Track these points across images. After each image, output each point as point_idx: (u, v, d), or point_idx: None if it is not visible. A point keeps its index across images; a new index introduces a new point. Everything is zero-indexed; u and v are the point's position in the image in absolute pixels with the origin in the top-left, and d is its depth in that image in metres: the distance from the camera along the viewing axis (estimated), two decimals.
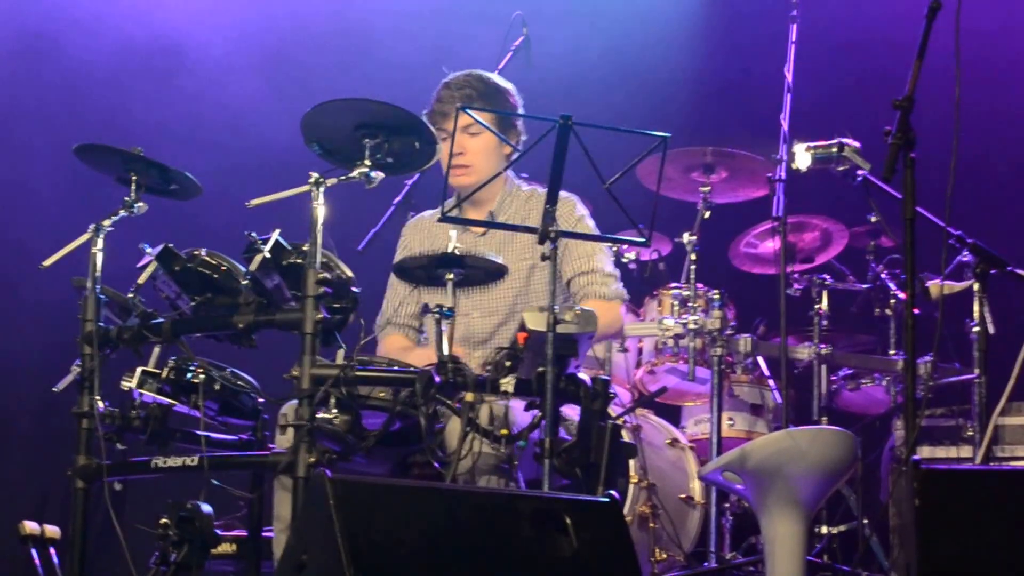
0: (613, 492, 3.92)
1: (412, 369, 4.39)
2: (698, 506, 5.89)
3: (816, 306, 6.28)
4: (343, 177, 4.43)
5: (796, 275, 6.38)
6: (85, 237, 4.62)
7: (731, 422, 6.20)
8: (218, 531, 4.38)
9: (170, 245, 4.48)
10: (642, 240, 4.54)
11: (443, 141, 4.92)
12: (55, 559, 5.33)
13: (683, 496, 5.87)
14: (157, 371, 4.49)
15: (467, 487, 4.26)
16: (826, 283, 6.36)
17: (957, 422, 5.92)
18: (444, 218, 4.83)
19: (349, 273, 4.45)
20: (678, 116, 7.26)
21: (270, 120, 6.70)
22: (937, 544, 3.59)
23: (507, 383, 4.32)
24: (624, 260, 6.35)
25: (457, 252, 4.33)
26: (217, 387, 4.50)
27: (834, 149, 5.25)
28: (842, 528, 6.01)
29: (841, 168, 5.27)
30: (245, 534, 4.88)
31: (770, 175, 5.74)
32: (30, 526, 5.38)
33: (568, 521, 3.65)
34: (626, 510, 5.54)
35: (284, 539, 4.47)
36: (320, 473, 3.49)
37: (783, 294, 5.68)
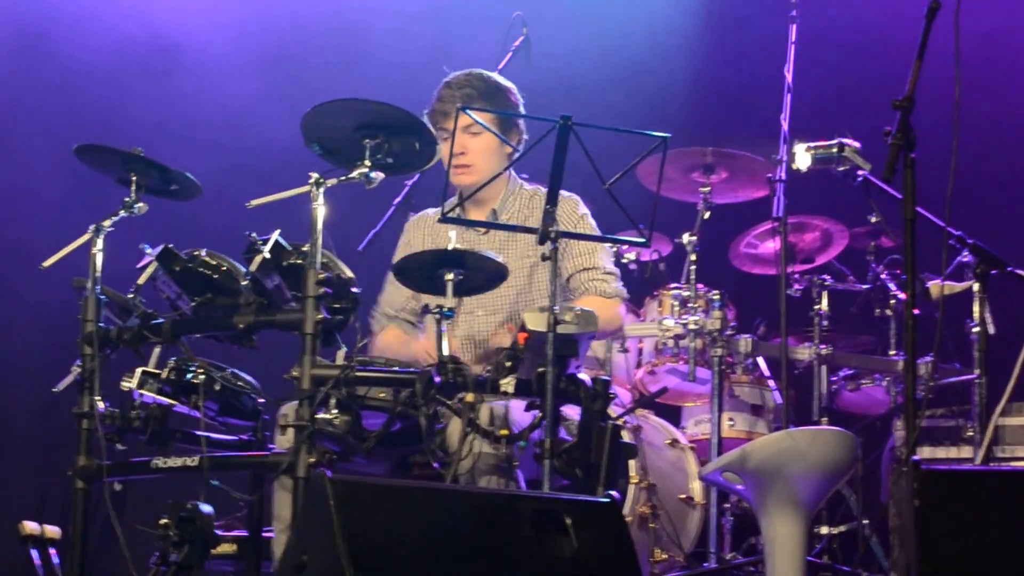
0: (613, 492, 3.92)
1: (412, 370, 4.39)
2: (698, 506, 5.89)
3: (816, 306, 6.28)
4: (343, 177, 4.43)
5: (796, 275, 6.38)
6: (85, 237, 4.62)
7: (731, 422, 6.20)
8: (218, 531, 4.38)
9: (170, 245, 4.48)
10: (642, 240, 4.54)
11: (444, 141, 4.93)
12: (55, 559, 5.33)
13: (683, 496, 5.88)
14: (157, 371, 4.49)
15: (467, 487, 4.27)
16: (826, 283, 6.37)
17: (957, 422, 5.92)
18: (444, 218, 4.83)
19: (349, 273, 4.45)
20: (678, 116, 7.26)
21: (270, 120, 6.70)
22: (937, 544, 3.59)
23: (507, 383, 4.33)
24: (624, 260, 6.35)
25: (458, 249, 4.34)
26: (217, 387, 4.50)
27: (834, 149, 5.25)
28: (842, 528, 6.01)
29: (841, 168, 5.27)
30: (245, 534, 4.88)
31: (770, 175, 5.74)
32: (30, 526, 5.39)
33: (568, 521, 3.65)
34: (626, 510, 5.54)
35: (284, 539, 4.47)
36: (320, 473, 3.49)
37: (783, 294, 5.68)
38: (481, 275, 4.47)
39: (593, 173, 4.35)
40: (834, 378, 6.37)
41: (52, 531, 5.40)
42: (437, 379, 4.27)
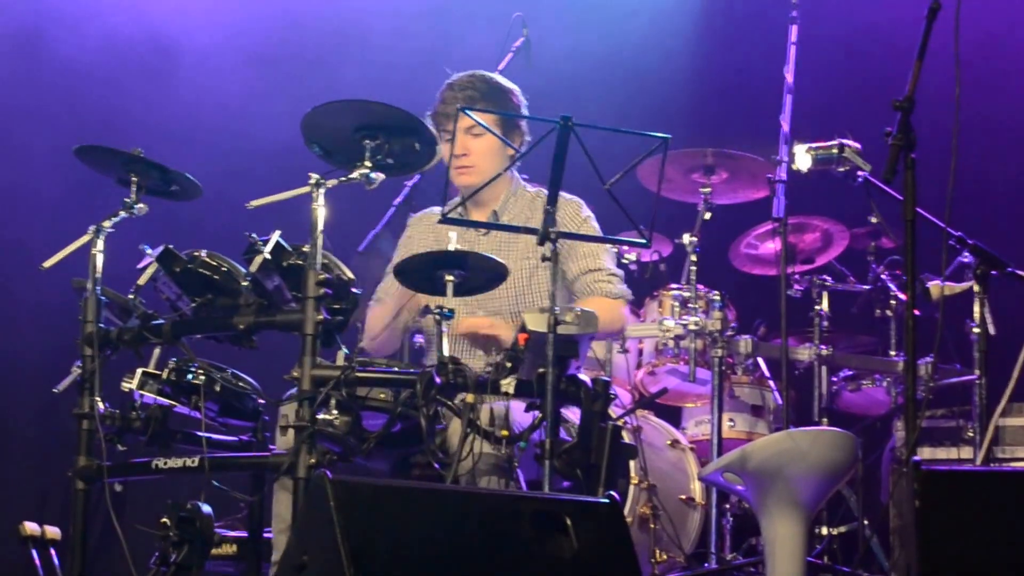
0: (613, 493, 3.92)
1: (412, 370, 4.40)
2: (698, 507, 5.89)
3: (817, 307, 6.29)
4: (343, 178, 4.43)
5: (797, 276, 6.38)
6: (85, 238, 4.62)
7: (732, 423, 6.20)
8: (223, 531, 4.38)
9: (170, 246, 4.48)
10: (643, 241, 4.54)
11: (446, 141, 4.93)
12: (56, 560, 5.34)
13: (684, 497, 5.88)
14: (158, 372, 4.49)
15: (468, 488, 4.26)
16: (827, 284, 6.37)
17: (958, 423, 5.92)
18: (444, 219, 4.83)
19: (349, 274, 4.44)
20: (678, 117, 7.26)
21: (270, 121, 6.69)
22: (937, 545, 3.58)
23: (507, 384, 4.33)
24: (625, 261, 6.35)
25: (458, 249, 4.34)
26: (217, 388, 4.50)
27: (834, 150, 5.25)
28: (842, 529, 6.01)
29: (842, 169, 5.27)
30: (246, 535, 4.88)
31: (770, 176, 5.73)
32: (31, 527, 5.39)
33: (568, 522, 3.65)
34: (627, 511, 5.54)
35: (284, 540, 4.47)
36: (320, 474, 3.49)
37: (784, 295, 5.67)
38: (481, 276, 4.47)
39: (593, 174, 4.35)
40: (834, 379, 6.38)
41: (52, 532, 5.41)
42: (437, 380, 4.27)
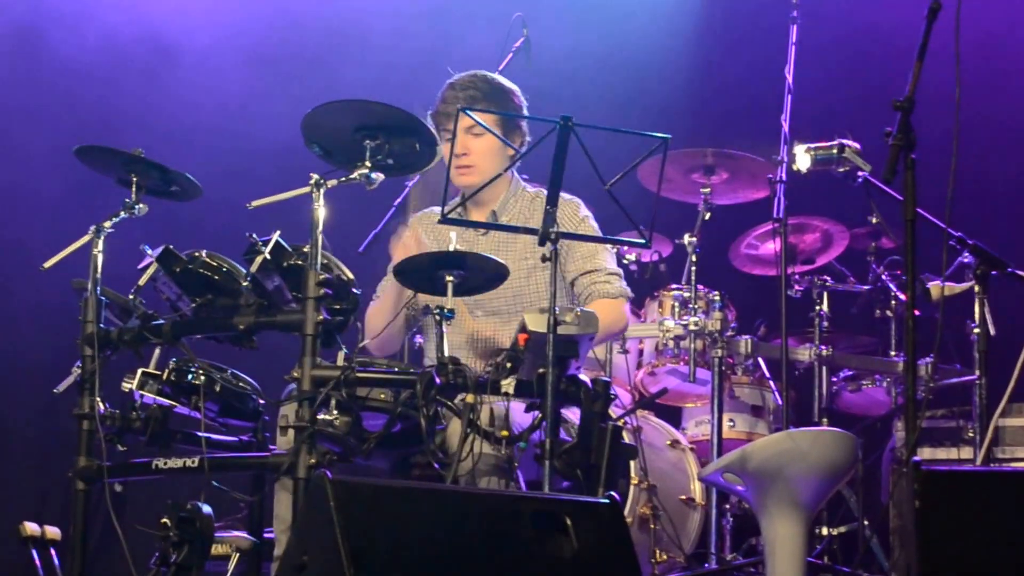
0: (613, 493, 3.92)
1: (412, 371, 4.40)
2: (699, 507, 5.89)
3: (817, 307, 6.29)
4: (343, 179, 4.43)
5: (797, 276, 6.38)
6: (86, 239, 4.61)
7: (732, 423, 6.20)
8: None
9: (171, 246, 4.48)
10: (643, 241, 4.54)
11: (447, 141, 4.93)
12: (56, 560, 5.34)
13: (684, 497, 5.87)
14: (158, 372, 4.49)
15: (468, 488, 4.26)
16: (827, 284, 6.37)
17: (958, 423, 5.93)
18: (444, 219, 4.83)
19: (349, 275, 4.45)
20: (679, 117, 7.26)
21: (270, 121, 6.70)
22: (937, 545, 3.58)
23: (507, 384, 4.33)
24: (625, 261, 6.35)
25: (458, 250, 4.34)
26: (218, 388, 4.50)
27: (835, 150, 5.25)
28: (842, 529, 6.02)
29: (842, 169, 5.27)
30: (246, 535, 4.88)
31: (771, 176, 5.74)
32: (31, 527, 5.39)
33: (569, 522, 3.65)
34: (627, 511, 5.54)
35: (285, 540, 4.47)
36: (321, 474, 3.49)
37: (784, 295, 5.68)
38: (481, 276, 4.47)
39: (593, 174, 4.35)
40: (834, 379, 6.38)
41: (53, 532, 5.41)
42: (437, 380, 4.27)
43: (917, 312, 4.04)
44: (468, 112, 4.81)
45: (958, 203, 4.26)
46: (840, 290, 6.45)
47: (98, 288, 4.59)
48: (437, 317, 4.34)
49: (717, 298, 6.01)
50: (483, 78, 5.17)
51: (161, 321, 4.53)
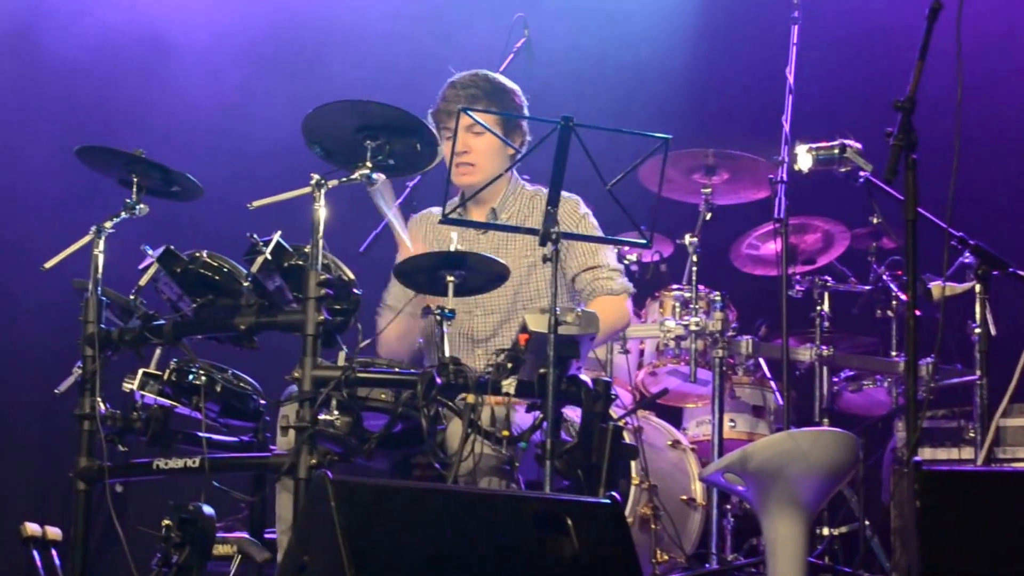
0: (614, 493, 3.92)
1: (413, 371, 4.40)
2: (699, 508, 5.88)
3: (818, 307, 6.29)
4: (344, 179, 4.43)
5: (798, 276, 6.38)
6: (87, 239, 4.61)
7: (732, 424, 6.20)
8: (252, 536, 4.38)
9: (171, 247, 4.48)
10: (643, 242, 4.54)
11: (447, 140, 4.93)
12: (57, 561, 5.33)
13: (684, 498, 5.87)
14: (158, 373, 4.49)
15: (468, 488, 4.26)
16: (828, 284, 6.37)
17: (958, 423, 5.92)
18: (445, 219, 4.84)
19: (350, 275, 4.45)
20: (680, 117, 7.26)
21: (271, 122, 6.70)
22: (938, 545, 3.58)
23: (508, 384, 4.32)
24: (626, 262, 6.34)
25: (459, 250, 4.34)
26: (218, 389, 4.50)
27: (836, 150, 5.25)
28: (843, 529, 6.01)
29: (843, 169, 5.27)
30: (247, 535, 4.88)
31: (772, 176, 5.73)
32: (32, 528, 5.38)
33: (569, 522, 3.65)
34: (627, 511, 5.54)
35: (286, 540, 4.47)
36: (321, 475, 3.49)
37: (784, 295, 5.68)
38: (482, 276, 4.47)
39: (594, 174, 4.35)
40: (835, 379, 6.38)
41: (53, 532, 5.40)
42: (438, 380, 4.27)
43: (918, 312, 4.04)
44: (469, 112, 4.81)
45: (959, 203, 4.26)
46: (841, 290, 6.45)
47: (99, 288, 4.59)
48: (437, 317, 4.34)
49: (718, 298, 6.01)
50: (484, 77, 5.17)
51: (162, 321, 4.54)
